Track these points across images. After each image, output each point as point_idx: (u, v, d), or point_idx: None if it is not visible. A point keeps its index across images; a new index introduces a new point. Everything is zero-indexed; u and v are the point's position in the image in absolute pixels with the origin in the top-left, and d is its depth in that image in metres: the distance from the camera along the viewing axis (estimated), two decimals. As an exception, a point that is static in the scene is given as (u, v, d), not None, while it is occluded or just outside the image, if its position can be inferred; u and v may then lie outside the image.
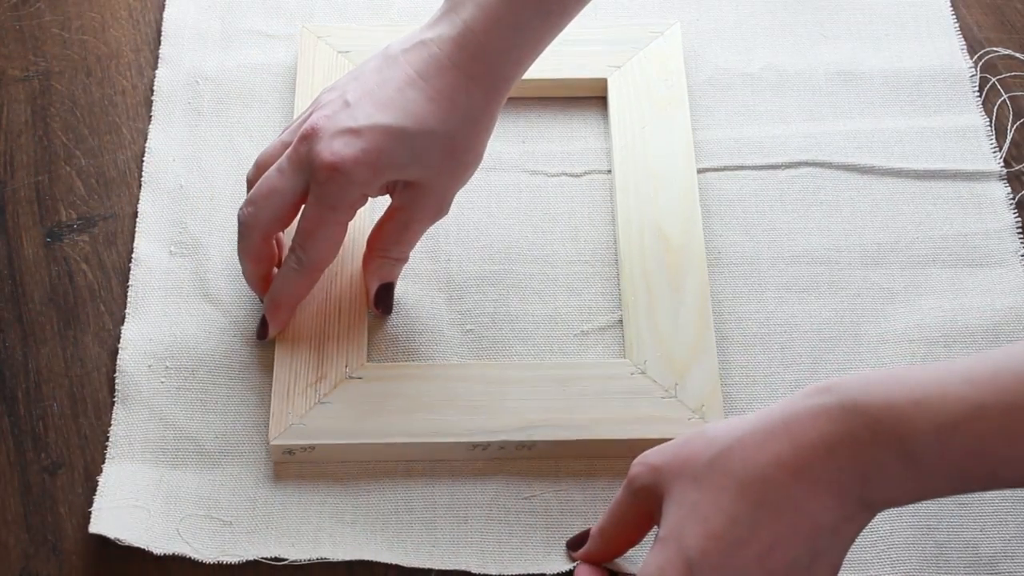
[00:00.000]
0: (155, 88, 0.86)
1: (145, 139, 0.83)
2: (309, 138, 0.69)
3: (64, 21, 0.89)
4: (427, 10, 0.88)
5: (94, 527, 0.67)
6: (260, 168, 0.73)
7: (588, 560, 0.66)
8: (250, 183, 0.74)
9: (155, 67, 0.87)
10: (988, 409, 0.53)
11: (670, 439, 0.62)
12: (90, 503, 0.69)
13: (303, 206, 0.71)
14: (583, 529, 0.68)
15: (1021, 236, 0.81)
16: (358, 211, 0.71)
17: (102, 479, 0.70)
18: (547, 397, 0.72)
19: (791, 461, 0.56)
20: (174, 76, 0.86)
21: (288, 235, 0.74)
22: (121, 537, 0.67)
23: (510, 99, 0.84)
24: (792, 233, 0.81)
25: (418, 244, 0.77)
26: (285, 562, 0.67)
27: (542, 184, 0.83)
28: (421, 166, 0.70)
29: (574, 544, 0.68)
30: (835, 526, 0.56)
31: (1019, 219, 0.81)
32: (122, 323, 0.76)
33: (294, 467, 0.71)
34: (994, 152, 0.84)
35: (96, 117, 0.85)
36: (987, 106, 0.86)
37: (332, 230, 0.70)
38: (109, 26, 0.89)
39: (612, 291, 0.78)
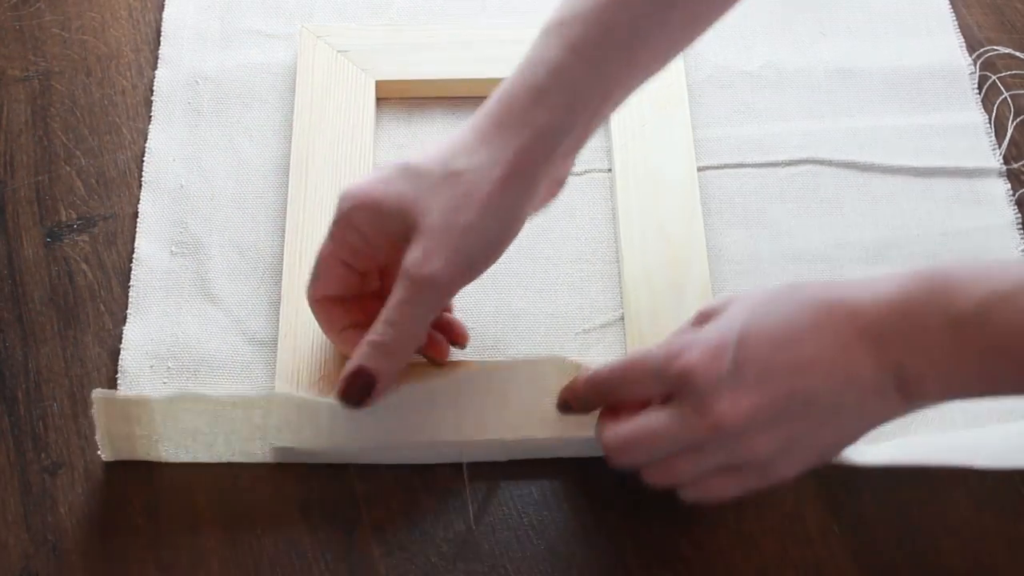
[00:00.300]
0: (155, 88, 0.85)
1: (145, 139, 0.82)
2: None
3: (64, 21, 0.88)
4: (426, 9, 0.89)
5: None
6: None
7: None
8: None
9: (155, 67, 0.86)
10: None
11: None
12: (90, 503, 0.68)
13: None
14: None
15: (1021, 233, 0.80)
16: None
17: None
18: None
19: (850, 304, 0.58)
20: (174, 76, 0.85)
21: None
22: None
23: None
24: (793, 231, 0.80)
25: None
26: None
27: (542, 182, 0.82)
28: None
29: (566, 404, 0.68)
30: (864, 390, 0.58)
31: (1019, 216, 0.81)
32: (122, 323, 0.75)
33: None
34: (993, 149, 0.83)
35: (96, 117, 0.84)
36: (986, 104, 0.86)
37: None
38: (109, 26, 0.88)
39: (613, 289, 0.77)
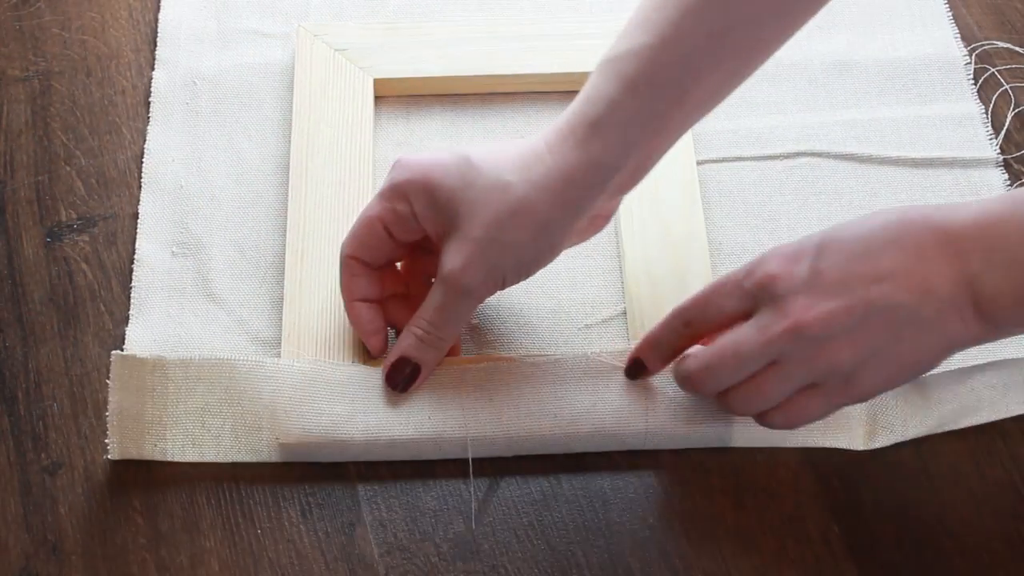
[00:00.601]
0: (152, 90, 0.84)
1: (145, 139, 0.82)
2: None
3: (64, 21, 0.87)
4: (423, 6, 0.88)
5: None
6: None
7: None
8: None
9: (154, 68, 0.85)
10: None
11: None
12: (90, 503, 0.68)
13: None
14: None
15: None
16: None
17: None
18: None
19: (933, 219, 0.60)
20: (171, 77, 0.85)
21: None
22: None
23: (508, 95, 0.84)
24: (792, 222, 0.79)
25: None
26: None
27: (541, 178, 0.81)
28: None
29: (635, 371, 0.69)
30: (943, 303, 0.59)
31: None
32: (123, 323, 0.75)
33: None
34: (990, 139, 0.83)
35: (96, 117, 0.83)
36: (983, 95, 0.85)
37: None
38: (109, 26, 0.87)
39: (615, 284, 0.77)
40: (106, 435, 0.69)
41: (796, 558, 0.67)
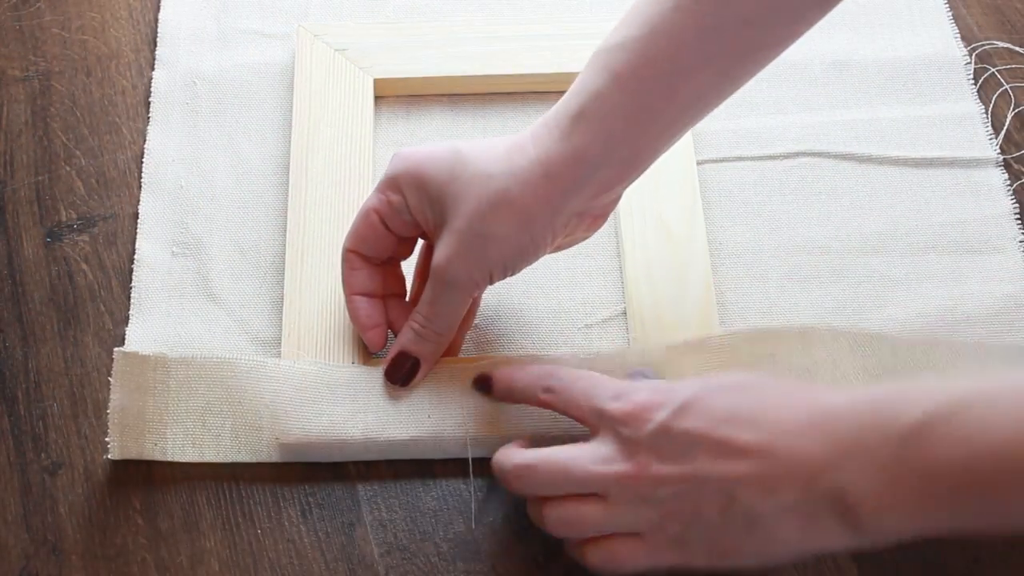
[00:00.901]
0: (152, 90, 0.84)
1: (145, 139, 0.81)
2: None
3: (64, 21, 0.87)
4: (423, 6, 0.87)
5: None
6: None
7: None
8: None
9: (154, 68, 0.85)
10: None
11: None
12: (90, 503, 0.68)
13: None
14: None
15: (1019, 222, 0.79)
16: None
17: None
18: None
19: (805, 406, 0.57)
20: (171, 77, 0.84)
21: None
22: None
23: (507, 95, 0.84)
24: (792, 223, 0.79)
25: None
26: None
27: (542, 178, 0.80)
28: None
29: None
30: (783, 509, 0.55)
31: (1016, 205, 0.80)
32: (123, 323, 0.74)
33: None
34: (990, 139, 0.82)
35: (96, 117, 0.83)
36: (983, 95, 0.85)
37: None
38: (109, 26, 0.87)
39: (615, 284, 0.76)
40: (106, 435, 0.69)
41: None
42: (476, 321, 0.74)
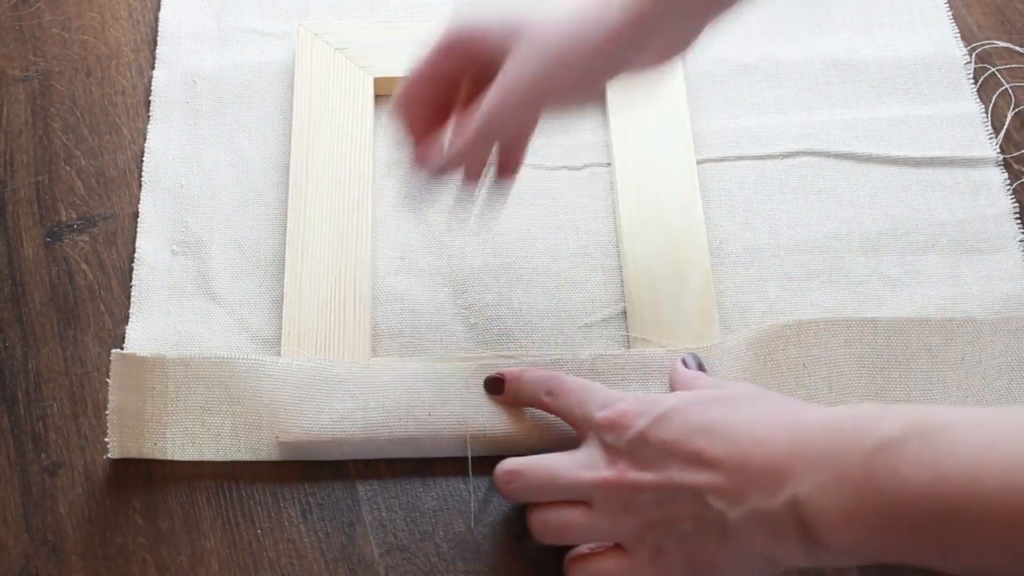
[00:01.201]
0: (153, 89, 0.83)
1: (145, 139, 0.81)
2: None
3: (64, 21, 0.87)
4: (423, 5, 0.87)
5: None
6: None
7: None
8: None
9: (154, 67, 0.84)
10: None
11: None
12: (90, 503, 0.68)
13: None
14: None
15: (1019, 222, 0.79)
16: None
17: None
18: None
19: (785, 422, 0.57)
20: (171, 76, 0.84)
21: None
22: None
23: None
24: (792, 222, 0.79)
25: (419, 239, 0.78)
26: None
27: (542, 178, 0.81)
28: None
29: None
30: (755, 521, 0.55)
31: (1016, 205, 0.79)
32: (123, 323, 0.74)
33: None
34: (990, 138, 0.82)
35: (96, 117, 0.82)
36: (983, 95, 0.84)
37: None
38: (109, 26, 0.87)
39: (615, 283, 0.76)
40: (106, 435, 0.69)
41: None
42: (476, 320, 0.74)
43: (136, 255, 0.76)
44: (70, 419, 0.71)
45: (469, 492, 0.69)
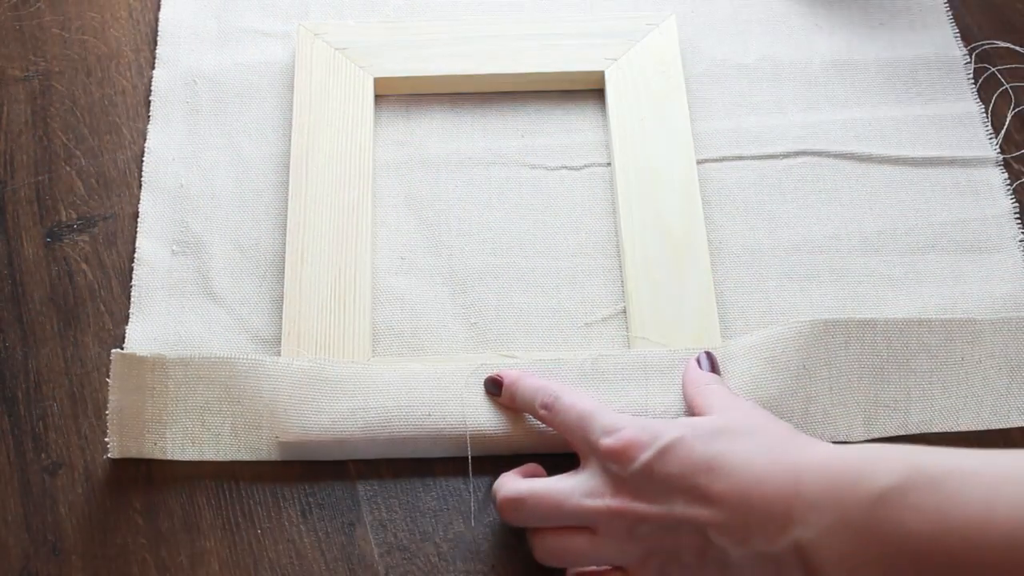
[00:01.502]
0: (153, 88, 0.83)
1: (145, 139, 0.81)
2: None
3: (64, 21, 0.87)
4: (423, 5, 0.87)
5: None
6: None
7: None
8: None
9: (154, 67, 0.84)
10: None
11: None
12: (90, 503, 0.67)
13: None
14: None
15: (1019, 222, 0.79)
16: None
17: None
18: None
19: (785, 462, 0.57)
20: (171, 76, 0.84)
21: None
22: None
23: (508, 94, 0.84)
24: (792, 222, 0.78)
25: (419, 239, 0.78)
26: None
27: (542, 177, 0.80)
28: None
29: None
30: (758, 559, 0.56)
31: (1016, 205, 0.79)
32: (123, 323, 0.74)
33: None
34: (990, 138, 0.82)
35: (96, 117, 0.82)
36: (983, 94, 0.84)
37: None
38: (109, 26, 0.86)
39: (615, 282, 0.76)
40: (106, 435, 0.68)
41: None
42: (476, 320, 0.74)
43: (136, 255, 0.76)
44: (70, 419, 0.70)
45: (469, 492, 0.68)
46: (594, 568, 0.62)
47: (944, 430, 0.70)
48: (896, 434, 0.69)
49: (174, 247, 0.77)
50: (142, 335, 0.73)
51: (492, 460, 0.69)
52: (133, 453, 0.68)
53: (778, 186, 0.80)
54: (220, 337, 0.73)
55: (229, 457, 0.69)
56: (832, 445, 0.58)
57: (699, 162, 0.80)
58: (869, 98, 0.84)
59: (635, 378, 0.70)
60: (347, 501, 0.68)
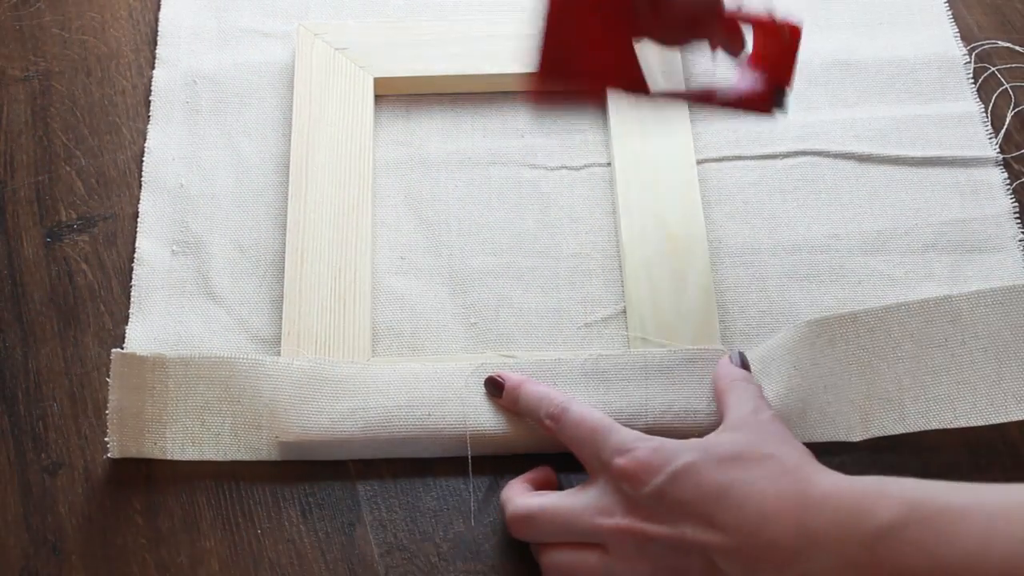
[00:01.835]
0: (153, 88, 0.83)
1: (145, 139, 0.81)
2: None
3: (64, 21, 0.87)
4: (423, 5, 0.87)
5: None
6: None
7: None
8: None
9: (154, 67, 0.84)
10: None
11: None
12: (90, 503, 0.68)
13: None
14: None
15: (1019, 222, 0.78)
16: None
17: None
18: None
19: (798, 498, 0.58)
20: (171, 76, 0.84)
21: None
22: None
23: (508, 95, 0.84)
24: (792, 222, 0.78)
25: (419, 239, 0.78)
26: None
27: (542, 177, 0.80)
28: None
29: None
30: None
31: (1016, 204, 0.79)
32: (123, 323, 0.74)
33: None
34: (990, 138, 0.82)
35: (96, 117, 0.82)
36: (983, 94, 0.84)
37: None
38: (109, 26, 0.86)
39: (615, 283, 0.76)
40: (106, 435, 0.68)
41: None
42: (476, 320, 0.74)
43: (136, 255, 0.76)
44: (70, 419, 0.70)
45: (469, 492, 0.68)
46: None
47: (942, 425, 0.70)
48: (895, 432, 0.69)
49: (174, 247, 0.77)
50: (142, 335, 0.73)
51: (492, 460, 0.69)
52: (133, 453, 0.68)
53: (778, 186, 0.80)
54: (220, 337, 0.73)
55: (229, 457, 0.69)
56: (837, 476, 0.58)
57: (699, 162, 0.80)
58: (869, 98, 0.84)
59: (635, 378, 0.70)
60: (347, 501, 0.68)
